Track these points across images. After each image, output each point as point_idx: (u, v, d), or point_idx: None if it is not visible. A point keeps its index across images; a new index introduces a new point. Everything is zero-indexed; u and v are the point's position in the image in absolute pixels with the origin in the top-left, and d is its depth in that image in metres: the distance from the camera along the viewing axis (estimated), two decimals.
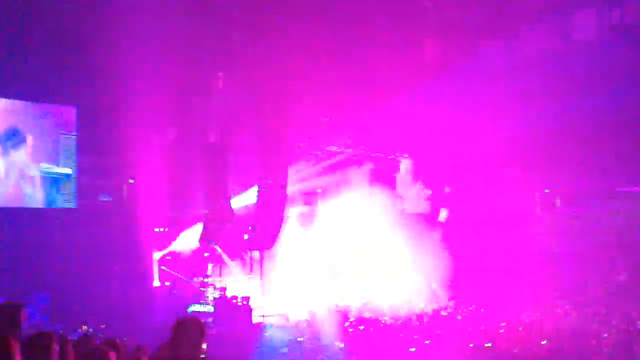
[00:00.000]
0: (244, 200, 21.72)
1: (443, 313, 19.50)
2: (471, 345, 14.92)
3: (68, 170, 19.30)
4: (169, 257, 21.98)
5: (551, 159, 22.85)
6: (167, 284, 21.40)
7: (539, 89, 20.60)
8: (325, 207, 25.79)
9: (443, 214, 26.30)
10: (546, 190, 25.91)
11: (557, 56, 20.51)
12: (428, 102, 21.07)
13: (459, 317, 18.82)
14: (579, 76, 19.87)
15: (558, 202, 25.62)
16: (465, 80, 20.24)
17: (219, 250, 21.63)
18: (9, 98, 18.04)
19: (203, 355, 3.51)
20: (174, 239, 22.18)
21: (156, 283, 21.31)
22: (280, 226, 19.88)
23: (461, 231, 25.17)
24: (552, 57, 20.61)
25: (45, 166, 18.89)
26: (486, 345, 14.79)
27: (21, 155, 18.31)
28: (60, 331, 12.75)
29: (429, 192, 26.80)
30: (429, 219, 26.58)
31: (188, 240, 21.87)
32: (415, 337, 15.62)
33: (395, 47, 19.93)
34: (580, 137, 21.20)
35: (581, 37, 19.92)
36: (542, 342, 14.52)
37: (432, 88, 20.49)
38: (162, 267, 21.58)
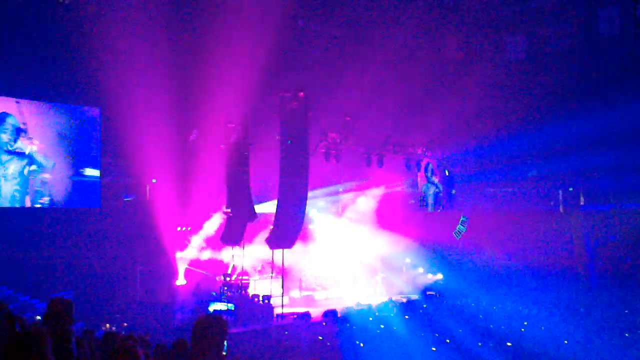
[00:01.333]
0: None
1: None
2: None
3: (97, 172, 19.61)
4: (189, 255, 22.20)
5: (575, 155, 22.62)
6: (184, 282, 21.54)
7: (564, 85, 20.40)
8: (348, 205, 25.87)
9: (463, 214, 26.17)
10: (570, 189, 25.66)
11: (582, 52, 20.29)
12: (450, 99, 20.95)
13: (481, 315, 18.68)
14: (604, 72, 19.63)
15: (582, 199, 25.37)
16: (487, 76, 20.10)
17: (240, 249, 21.73)
18: (39, 100, 18.34)
19: (224, 353, 3.52)
20: (196, 239, 22.39)
21: (181, 282, 21.48)
22: (301, 225, 19.89)
23: (483, 230, 25.04)
24: (577, 53, 20.38)
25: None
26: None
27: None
28: (84, 329, 12.89)
29: (454, 191, 26.67)
30: (450, 217, 26.49)
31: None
32: (436, 335, 15.52)
33: (418, 46, 19.89)
34: (603, 133, 20.96)
35: (606, 33, 19.63)
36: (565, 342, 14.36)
37: (454, 84, 20.39)
38: (186, 266, 21.77)
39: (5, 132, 17.91)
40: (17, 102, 18.00)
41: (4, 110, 17.86)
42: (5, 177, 17.64)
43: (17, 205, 17.86)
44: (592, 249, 24.76)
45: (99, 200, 19.71)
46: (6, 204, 17.61)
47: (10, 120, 18.02)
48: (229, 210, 20.51)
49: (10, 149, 17.95)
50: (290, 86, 18.86)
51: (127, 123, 18.91)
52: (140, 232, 19.99)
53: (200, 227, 22.45)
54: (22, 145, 18.16)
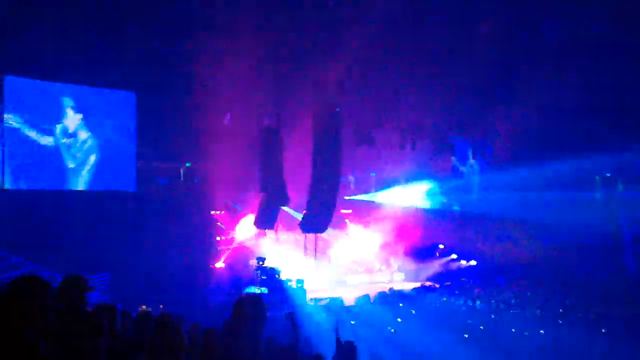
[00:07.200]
0: None
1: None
2: None
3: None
4: (224, 238, 22.44)
5: (612, 140, 22.12)
6: (222, 265, 21.78)
7: (602, 68, 19.90)
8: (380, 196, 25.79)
9: None
10: (607, 174, 25.18)
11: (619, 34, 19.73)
12: (486, 83, 20.61)
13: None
14: None
15: (620, 186, 24.88)
16: (522, 57, 19.73)
17: (273, 233, 21.88)
18: (76, 84, 18.69)
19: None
20: (231, 222, 22.61)
21: (219, 264, 21.77)
22: (334, 209, 19.88)
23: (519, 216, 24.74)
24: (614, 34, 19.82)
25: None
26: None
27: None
28: (120, 311, 13.11)
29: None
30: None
31: (247, 225, 22.31)
32: (469, 322, 15.45)
33: (444, 29, 19.56)
34: None
35: None
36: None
37: (488, 67, 20.02)
38: (219, 248, 22.04)
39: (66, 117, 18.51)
40: (71, 87, 18.54)
41: (64, 96, 18.45)
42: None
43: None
44: (630, 236, 24.30)
45: (134, 183, 19.97)
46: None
47: (71, 106, 18.59)
48: (262, 194, 20.62)
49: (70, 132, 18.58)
50: (323, 69, 18.77)
51: (163, 107, 19.09)
52: (175, 214, 20.20)
53: (235, 211, 22.68)
54: (72, 129, 18.73)
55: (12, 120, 17.51)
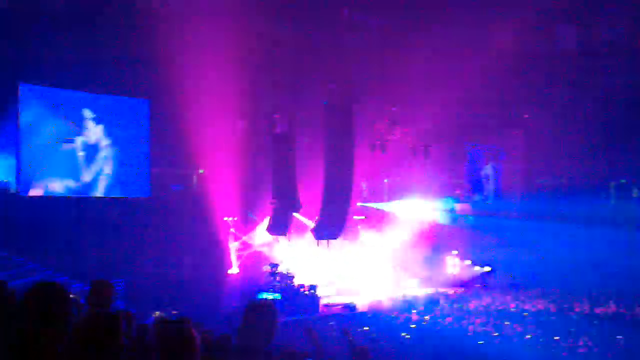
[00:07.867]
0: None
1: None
2: None
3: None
4: (242, 245, 22.51)
5: (628, 146, 21.96)
6: (236, 271, 21.85)
7: (616, 74, 19.79)
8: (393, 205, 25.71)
9: None
10: (622, 180, 24.96)
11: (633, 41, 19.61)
12: (500, 90, 20.55)
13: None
14: None
15: (635, 192, 24.65)
16: (539, 65, 19.65)
17: (286, 239, 21.89)
18: (91, 92, 18.88)
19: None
20: (244, 228, 22.67)
21: (233, 270, 21.85)
22: (347, 216, 19.87)
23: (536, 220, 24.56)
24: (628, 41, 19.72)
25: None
26: None
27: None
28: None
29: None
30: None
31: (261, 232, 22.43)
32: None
33: (464, 35, 19.55)
34: None
35: None
36: None
37: (504, 75, 19.98)
38: (233, 254, 22.11)
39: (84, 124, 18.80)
40: (88, 95, 18.75)
41: (78, 104, 18.68)
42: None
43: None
44: None
45: (148, 190, 20.11)
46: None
47: (85, 113, 18.79)
48: (274, 200, 20.66)
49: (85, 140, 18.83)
50: (336, 77, 18.80)
51: (176, 114, 19.21)
52: (188, 220, 20.30)
53: (248, 217, 22.75)
54: (90, 136, 18.95)
55: (28, 127, 17.71)
